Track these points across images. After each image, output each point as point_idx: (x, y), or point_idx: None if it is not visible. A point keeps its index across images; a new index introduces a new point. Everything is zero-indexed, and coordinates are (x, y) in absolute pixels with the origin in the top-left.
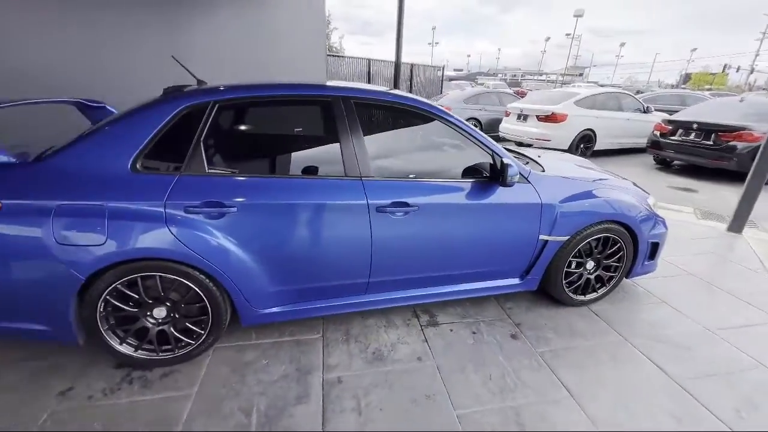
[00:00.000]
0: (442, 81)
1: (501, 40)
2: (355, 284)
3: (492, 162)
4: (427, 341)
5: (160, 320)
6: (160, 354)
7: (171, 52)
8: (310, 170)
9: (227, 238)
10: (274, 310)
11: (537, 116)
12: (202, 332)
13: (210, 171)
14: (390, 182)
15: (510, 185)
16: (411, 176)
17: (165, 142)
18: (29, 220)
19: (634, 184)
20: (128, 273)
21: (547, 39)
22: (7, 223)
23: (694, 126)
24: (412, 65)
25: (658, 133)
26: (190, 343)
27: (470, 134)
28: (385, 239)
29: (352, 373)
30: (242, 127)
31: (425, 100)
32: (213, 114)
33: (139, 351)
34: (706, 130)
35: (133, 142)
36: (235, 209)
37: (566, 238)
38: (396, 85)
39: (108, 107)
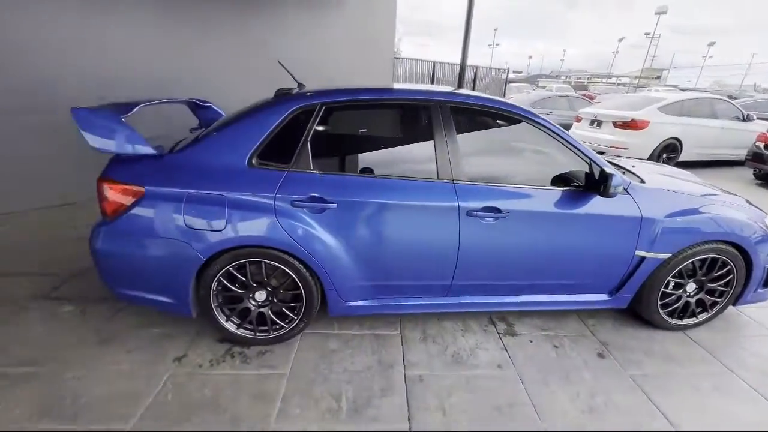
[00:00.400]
0: (506, 84)
1: (565, 41)
2: (438, 286)
3: (589, 171)
4: (506, 350)
5: (260, 303)
6: (258, 334)
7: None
8: (404, 171)
9: (326, 231)
10: (360, 303)
11: (614, 122)
12: (295, 317)
13: (314, 168)
14: (482, 187)
15: (612, 196)
16: (501, 181)
17: (277, 140)
18: (165, 205)
19: (747, 201)
20: (240, 257)
21: (621, 39)
22: (148, 206)
23: None
24: (476, 68)
25: (761, 145)
26: (283, 327)
27: (568, 141)
28: (472, 243)
29: (432, 372)
30: (343, 128)
31: (521, 106)
32: (320, 115)
33: (240, 329)
34: None
35: (251, 140)
36: (335, 205)
37: (666, 256)
38: (460, 87)
39: (213, 107)
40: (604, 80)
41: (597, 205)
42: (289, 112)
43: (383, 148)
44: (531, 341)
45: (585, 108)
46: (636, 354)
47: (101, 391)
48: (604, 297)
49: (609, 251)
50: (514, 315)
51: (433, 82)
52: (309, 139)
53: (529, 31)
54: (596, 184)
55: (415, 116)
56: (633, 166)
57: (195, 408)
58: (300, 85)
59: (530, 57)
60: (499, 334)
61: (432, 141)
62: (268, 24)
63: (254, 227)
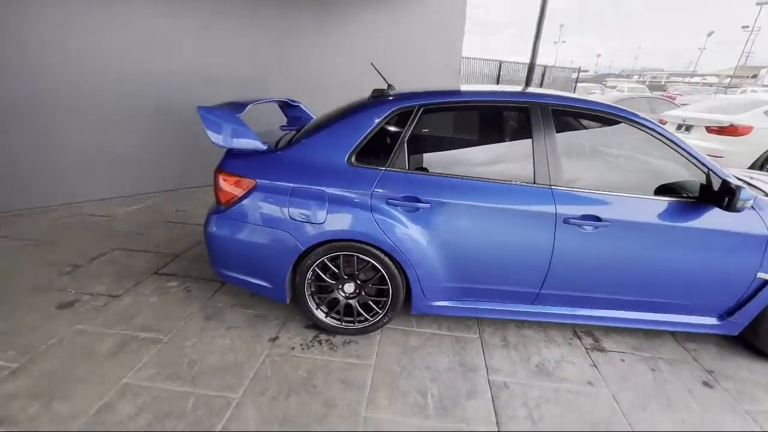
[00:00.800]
0: (576, 84)
1: (638, 38)
2: (525, 293)
3: (706, 182)
4: (596, 366)
5: (348, 294)
6: (343, 324)
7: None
8: (499, 174)
9: (418, 230)
10: (443, 303)
11: (707, 127)
12: (380, 311)
13: (410, 168)
14: (581, 194)
15: (739, 211)
16: (600, 188)
17: (375, 140)
18: (273, 198)
19: None
20: (335, 250)
21: (710, 33)
22: (258, 198)
23: None
24: (545, 67)
25: None
26: (368, 319)
27: (682, 148)
28: (567, 252)
29: (517, 381)
30: (439, 130)
31: (628, 109)
32: (417, 116)
33: (328, 317)
34: None
35: (351, 139)
36: (428, 205)
37: None
38: (527, 87)
39: (301, 106)
40: (685, 79)
41: (712, 219)
42: (389, 113)
43: (478, 150)
44: (623, 360)
45: (670, 111)
46: (750, 387)
47: (212, 360)
48: (712, 321)
49: (724, 271)
50: (600, 330)
51: (498, 82)
52: (406, 140)
53: (597, 28)
54: (716, 196)
55: (511, 119)
56: (752, 178)
57: (293, 387)
58: (390, 86)
59: (599, 55)
60: (585, 348)
61: (529, 144)
62: (348, 24)
63: (351, 222)
